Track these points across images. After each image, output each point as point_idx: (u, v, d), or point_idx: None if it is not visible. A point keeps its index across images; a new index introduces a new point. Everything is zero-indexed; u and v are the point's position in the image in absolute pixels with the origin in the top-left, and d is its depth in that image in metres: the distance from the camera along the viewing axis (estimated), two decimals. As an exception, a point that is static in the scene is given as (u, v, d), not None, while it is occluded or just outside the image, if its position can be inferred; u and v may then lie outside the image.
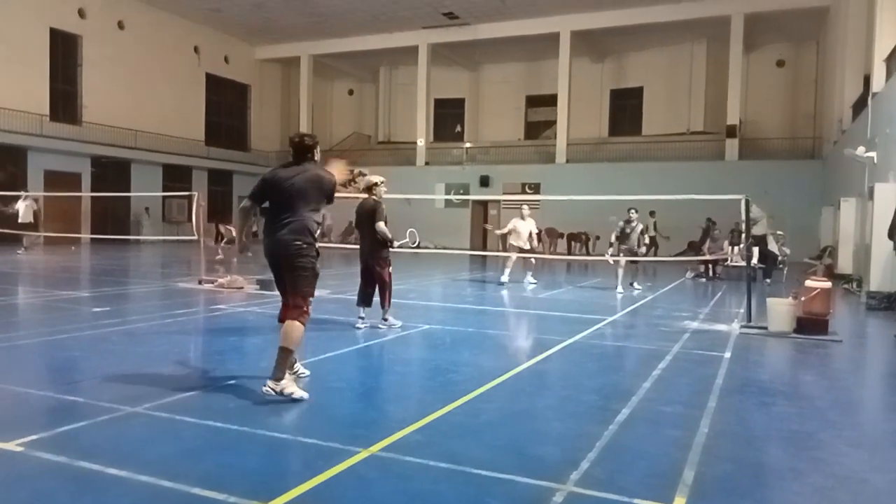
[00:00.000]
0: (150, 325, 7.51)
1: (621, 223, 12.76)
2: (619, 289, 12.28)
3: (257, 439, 3.68)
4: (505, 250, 14.43)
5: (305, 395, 4.47)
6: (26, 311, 8.87)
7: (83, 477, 3.09)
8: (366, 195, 7.46)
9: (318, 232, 4.75)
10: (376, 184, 7.38)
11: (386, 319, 7.42)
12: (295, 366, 4.84)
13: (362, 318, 7.42)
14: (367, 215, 7.32)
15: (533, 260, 13.82)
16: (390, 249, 7.50)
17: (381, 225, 7.23)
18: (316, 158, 4.81)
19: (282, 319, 4.63)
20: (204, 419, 3.98)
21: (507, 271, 13.11)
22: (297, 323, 4.53)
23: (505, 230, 13.45)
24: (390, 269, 7.50)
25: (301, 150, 4.74)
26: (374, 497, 2.97)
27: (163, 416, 4.04)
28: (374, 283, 7.46)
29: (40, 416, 4.12)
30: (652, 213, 22.19)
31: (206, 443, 3.68)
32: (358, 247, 7.74)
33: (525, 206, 13.46)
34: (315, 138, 4.86)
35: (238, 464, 3.31)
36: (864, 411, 5.11)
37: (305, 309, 4.57)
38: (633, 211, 12.75)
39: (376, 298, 7.50)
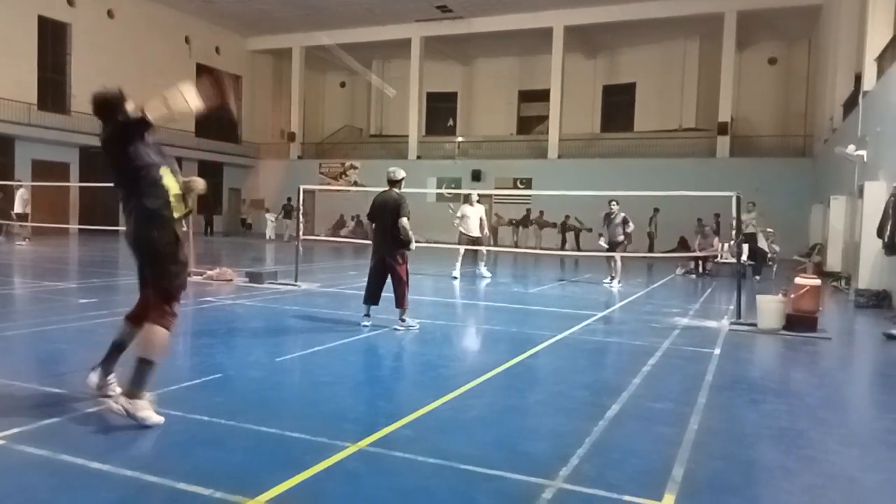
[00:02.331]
0: (137, 317, 7.43)
1: (601, 215, 13.14)
2: (607, 279, 12.73)
3: (244, 434, 3.64)
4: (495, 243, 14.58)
5: (160, 420, 3.70)
6: (12, 301, 8.76)
7: (66, 471, 3.04)
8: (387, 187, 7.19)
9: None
10: (403, 178, 7.18)
11: (403, 321, 7.05)
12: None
13: (368, 316, 7.18)
14: (391, 210, 6.98)
15: (484, 251, 13.81)
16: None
17: (404, 221, 6.90)
18: (129, 112, 3.73)
19: (133, 319, 3.99)
20: (191, 413, 3.93)
21: (458, 265, 12.96)
22: (157, 327, 3.75)
23: (458, 216, 13.34)
24: (407, 266, 7.16)
25: (100, 109, 3.80)
26: (363, 492, 2.94)
27: (149, 409, 3.98)
28: (384, 281, 7.18)
29: (24, 408, 4.04)
30: (656, 210, 22.23)
31: (193, 437, 3.63)
32: (346, 239, 7.61)
33: (474, 194, 13.61)
34: (114, 91, 3.80)
35: (225, 458, 3.27)
36: (853, 409, 5.12)
37: (169, 311, 3.78)
38: (613, 203, 12.94)
39: (387, 295, 7.22)
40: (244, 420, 3.82)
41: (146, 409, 3.67)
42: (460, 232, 13.20)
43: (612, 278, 12.81)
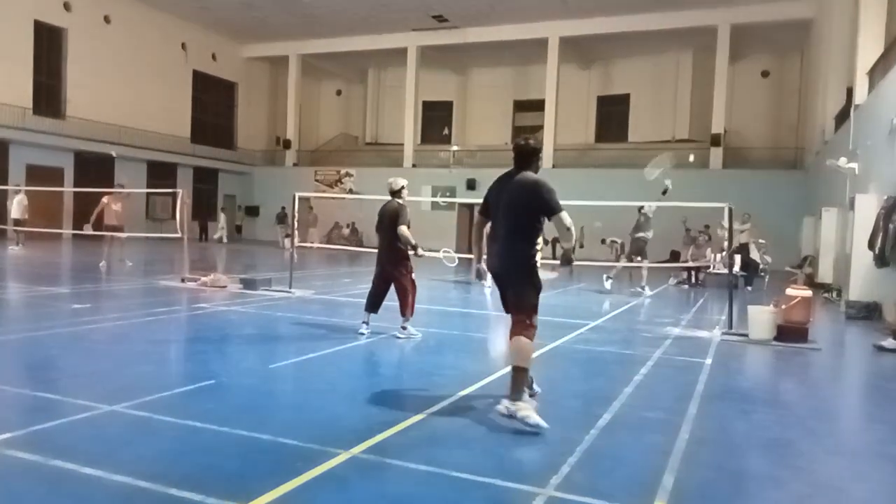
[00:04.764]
0: (130, 323, 7.42)
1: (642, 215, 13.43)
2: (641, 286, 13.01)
3: (236, 440, 3.64)
4: None
5: (543, 423, 3.96)
6: (5, 306, 8.72)
7: (57, 477, 3.04)
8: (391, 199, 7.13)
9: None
10: (403, 187, 7.09)
11: (405, 328, 7.02)
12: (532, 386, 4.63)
13: (366, 324, 7.13)
14: (389, 218, 6.93)
15: None
16: (413, 255, 7.09)
17: (403, 229, 6.83)
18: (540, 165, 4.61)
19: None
20: (183, 419, 3.94)
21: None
22: (522, 338, 4.23)
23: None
24: (412, 275, 7.07)
25: (521, 155, 4.55)
26: (354, 500, 2.95)
27: (141, 415, 3.98)
28: (385, 289, 7.12)
29: (15, 413, 4.04)
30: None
31: (185, 443, 3.63)
32: (340, 246, 7.60)
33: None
34: (538, 143, 4.68)
35: (216, 465, 3.28)
36: (842, 420, 5.16)
37: (529, 323, 4.32)
38: (644, 206, 13.24)
39: (389, 304, 7.16)
40: (237, 426, 3.83)
41: (526, 410, 4.02)
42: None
43: (644, 287, 13.06)
